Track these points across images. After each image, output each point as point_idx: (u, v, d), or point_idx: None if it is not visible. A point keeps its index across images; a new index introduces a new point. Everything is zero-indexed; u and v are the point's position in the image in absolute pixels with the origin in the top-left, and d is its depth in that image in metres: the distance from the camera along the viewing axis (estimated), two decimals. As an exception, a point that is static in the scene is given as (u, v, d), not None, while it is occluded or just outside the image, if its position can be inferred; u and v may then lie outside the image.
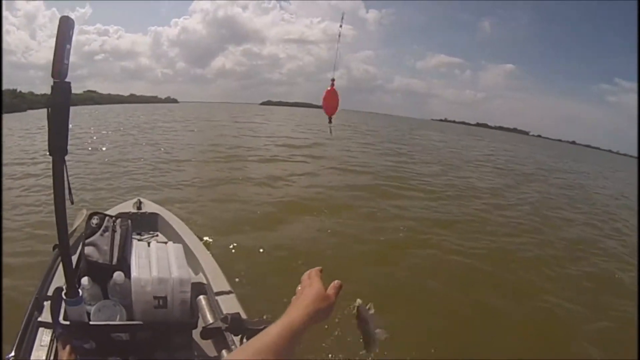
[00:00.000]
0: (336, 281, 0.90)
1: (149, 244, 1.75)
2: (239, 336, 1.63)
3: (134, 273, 1.57)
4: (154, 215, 2.74)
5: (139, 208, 2.80)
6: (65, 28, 1.25)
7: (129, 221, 1.92)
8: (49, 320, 1.62)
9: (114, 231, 1.77)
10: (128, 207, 2.80)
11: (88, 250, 1.68)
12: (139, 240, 2.20)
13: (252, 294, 3.27)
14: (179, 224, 2.65)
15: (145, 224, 2.62)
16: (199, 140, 16.66)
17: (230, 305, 1.83)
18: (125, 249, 1.71)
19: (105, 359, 1.57)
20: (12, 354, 1.49)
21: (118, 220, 1.86)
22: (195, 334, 1.69)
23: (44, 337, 1.62)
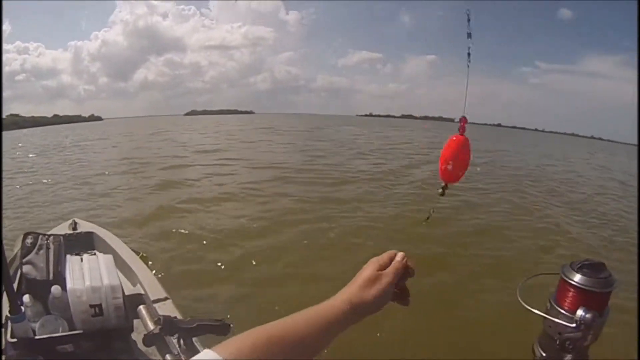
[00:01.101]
0: (397, 255, 0.76)
1: (81, 258, 1.89)
2: (176, 337, 1.77)
3: (69, 285, 1.69)
4: (89, 234, 2.79)
5: (75, 229, 2.85)
6: None
7: (61, 237, 2.03)
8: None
9: (48, 248, 1.89)
10: (64, 229, 2.83)
11: (26, 268, 1.78)
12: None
13: (189, 298, 3.42)
14: (114, 240, 2.72)
15: (81, 243, 2.65)
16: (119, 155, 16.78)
17: (167, 310, 1.93)
18: (60, 263, 1.83)
19: None
20: None
21: (51, 238, 1.97)
22: (140, 342, 1.81)
23: None
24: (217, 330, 1.73)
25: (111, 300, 1.72)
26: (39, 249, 1.87)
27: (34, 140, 26.65)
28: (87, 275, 1.72)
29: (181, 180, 9.79)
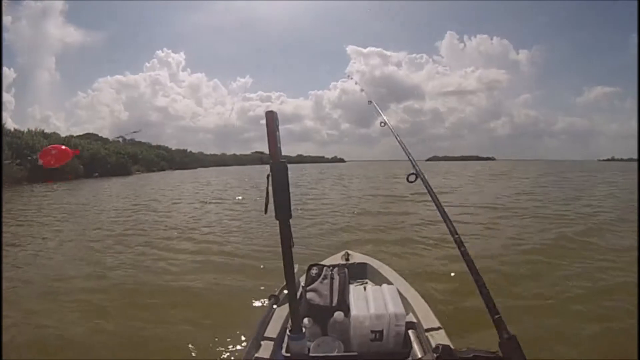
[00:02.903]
0: None
1: (364, 288, 2.03)
2: None
3: (353, 311, 1.86)
4: (363, 264, 2.95)
5: (347, 259, 3.04)
6: (271, 120, 1.64)
7: (346, 269, 2.24)
8: (267, 356, 1.92)
9: (332, 278, 2.12)
10: (337, 259, 3.06)
11: (310, 295, 2.04)
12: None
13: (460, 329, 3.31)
14: (388, 271, 2.82)
15: (354, 273, 2.79)
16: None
17: (439, 339, 1.92)
18: (344, 292, 2.02)
19: None
20: None
21: (335, 269, 2.20)
22: None
23: None
24: None
25: (393, 327, 1.83)
26: (324, 279, 2.10)
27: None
28: (371, 304, 1.86)
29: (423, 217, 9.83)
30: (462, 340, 2.65)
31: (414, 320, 2.11)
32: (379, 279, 2.69)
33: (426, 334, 1.98)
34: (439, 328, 2.02)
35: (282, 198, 1.68)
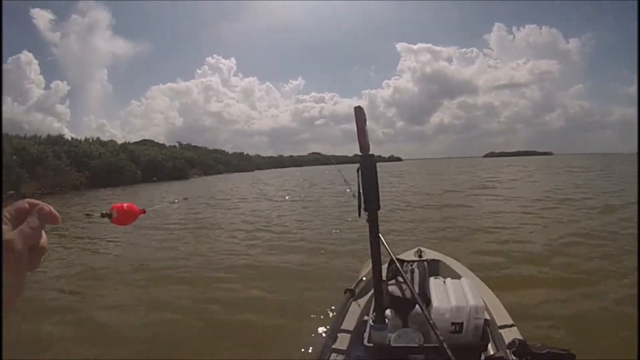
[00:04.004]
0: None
1: (444, 281, 2.12)
2: None
3: (435, 303, 1.95)
4: (435, 261, 2.99)
5: (420, 256, 3.07)
6: (360, 115, 1.74)
7: (425, 263, 2.33)
8: (344, 348, 2.06)
9: (412, 272, 2.21)
10: (410, 256, 3.09)
11: (391, 288, 2.16)
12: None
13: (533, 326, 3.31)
14: (460, 267, 2.91)
15: (428, 269, 2.76)
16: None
17: (512, 336, 1.95)
18: (424, 285, 2.12)
19: None
20: None
21: (415, 263, 2.30)
22: None
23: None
24: (564, 359, 1.70)
25: (473, 320, 1.90)
26: (404, 272, 2.19)
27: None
28: (452, 296, 1.94)
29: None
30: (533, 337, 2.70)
31: (487, 317, 2.14)
32: (452, 275, 2.72)
33: (500, 330, 2.04)
34: (512, 325, 2.07)
35: (371, 190, 1.78)
